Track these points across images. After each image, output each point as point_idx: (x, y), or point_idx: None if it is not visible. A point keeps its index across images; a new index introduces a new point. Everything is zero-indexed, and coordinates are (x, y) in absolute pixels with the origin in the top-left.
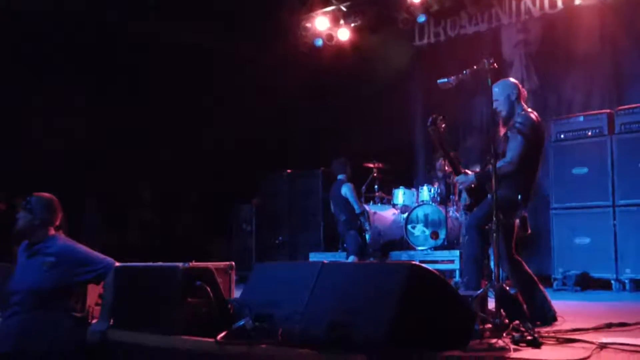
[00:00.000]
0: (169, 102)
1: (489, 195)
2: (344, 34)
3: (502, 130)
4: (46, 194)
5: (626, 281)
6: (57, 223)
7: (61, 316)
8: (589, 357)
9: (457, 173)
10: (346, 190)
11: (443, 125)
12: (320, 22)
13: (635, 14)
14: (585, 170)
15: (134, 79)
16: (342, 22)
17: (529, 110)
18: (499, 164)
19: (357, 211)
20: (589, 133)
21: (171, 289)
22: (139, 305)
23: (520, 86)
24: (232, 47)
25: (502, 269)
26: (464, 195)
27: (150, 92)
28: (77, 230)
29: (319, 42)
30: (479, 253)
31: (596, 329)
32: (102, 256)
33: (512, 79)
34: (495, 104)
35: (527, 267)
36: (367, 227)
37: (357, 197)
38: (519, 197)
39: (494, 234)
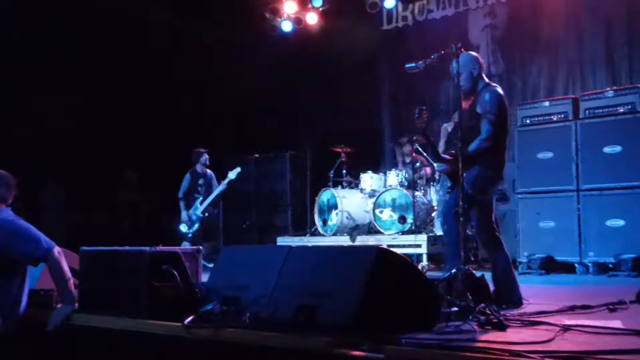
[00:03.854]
0: (135, 85)
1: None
2: (312, 18)
3: (464, 104)
4: (2, 171)
5: (589, 264)
6: (11, 201)
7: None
8: (552, 339)
9: (437, 159)
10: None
11: (426, 116)
12: (289, 6)
13: None
14: (550, 155)
15: (98, 59)
16: (310, 5)
17: (492, 84)
18: (475, 144)
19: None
20: (554, 118)
21: (138, 273)
22: (105, 290)
23: (480, 59)
24: (201, 28)
25: (484, 248)
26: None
27: (114, 75)
28: (36, 210)
29: (288, 26)
30: (460, 239)
31: (560, 311)
32: (43, 238)
33: (472, 53)
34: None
35: (506, 248)
36: (184, 217)
37: (184, 185)
38: (494, 172)
39: (461, 217)
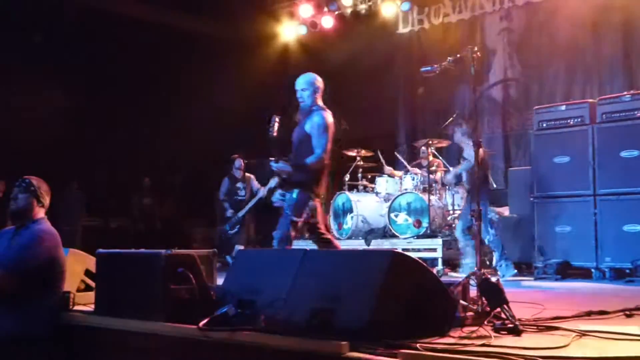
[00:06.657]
0: (152, 90)
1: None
2: (327, 22)
3: (299, 118)
4: (37, 177)
5: (606, 270)
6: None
7: (34, 300)
8: (568, 344)
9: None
10: None
11: (278, 125)
12: (304, 9)
13: (617, 3)
14: (566, 159)
15: (116, 62)
16: (325, 9)
17: (325, 108)
18: (311, 159)
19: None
20: (571, 122)
21: (153, 275)
22: (121, 292)
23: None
24: (216, 31)
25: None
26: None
27: (132, 77)
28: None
29: (303, 30)
30: None
31: (576, 317)
32: (22, 260)
33: (317, 76)
34: (299, 94)
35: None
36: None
37: (223, 188)
38: (311, 194)
39: (475, 223)
